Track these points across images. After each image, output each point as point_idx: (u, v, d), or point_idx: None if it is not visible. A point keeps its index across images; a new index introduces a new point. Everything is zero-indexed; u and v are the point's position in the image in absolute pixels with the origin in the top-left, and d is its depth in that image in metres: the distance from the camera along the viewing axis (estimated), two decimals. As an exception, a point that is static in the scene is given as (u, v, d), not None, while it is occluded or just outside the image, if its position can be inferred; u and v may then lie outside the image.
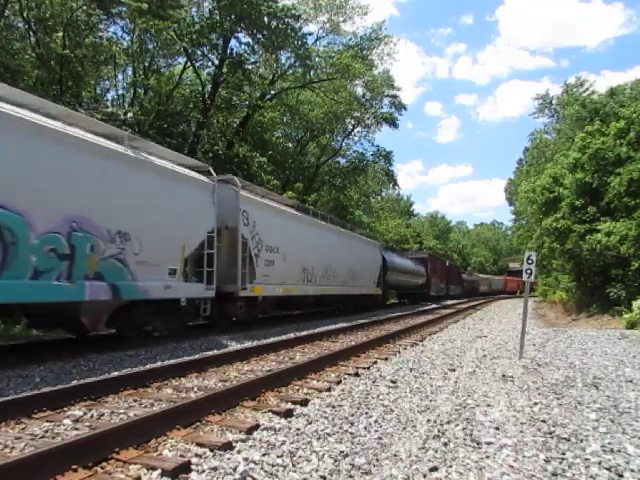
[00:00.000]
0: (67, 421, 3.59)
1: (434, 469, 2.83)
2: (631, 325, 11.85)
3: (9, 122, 5.57)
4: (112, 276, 6.82)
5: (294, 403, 4.22)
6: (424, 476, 2.74)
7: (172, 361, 6.11)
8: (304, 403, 4.25)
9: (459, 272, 44.27)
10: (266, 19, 19.63)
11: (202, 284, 8.84)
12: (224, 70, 21.06)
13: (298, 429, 3.49)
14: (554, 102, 34.35)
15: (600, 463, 2.94)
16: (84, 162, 6.45)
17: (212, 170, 9.67)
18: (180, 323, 8.85)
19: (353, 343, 8.11)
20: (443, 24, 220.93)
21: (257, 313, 11.47)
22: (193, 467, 2.75)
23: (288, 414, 3.88)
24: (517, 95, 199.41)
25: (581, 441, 3.34)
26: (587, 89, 29.64)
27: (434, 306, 24.91)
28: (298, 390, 4.81)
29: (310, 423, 3.65)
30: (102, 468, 2.75)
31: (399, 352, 7.52)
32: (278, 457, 2.94)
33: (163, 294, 7.87)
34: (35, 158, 5.82)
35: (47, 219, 5.88)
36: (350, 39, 26.67)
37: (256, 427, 3.49)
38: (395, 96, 30.22)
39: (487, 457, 3.01)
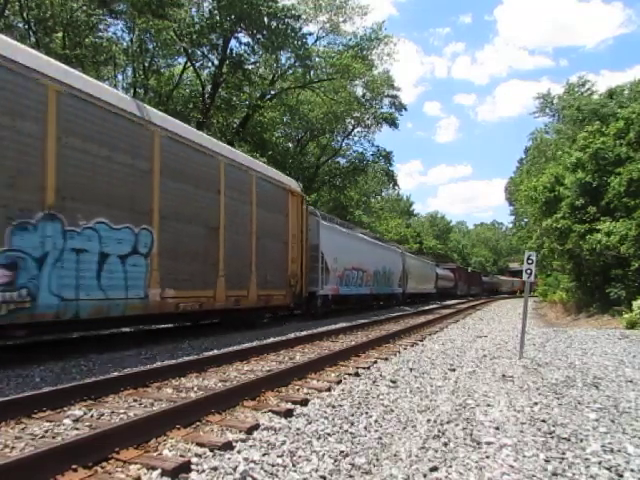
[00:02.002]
0: (67, 421, 3.58)
1: (434, 469, 2.83)
2: (631, 325, 11.85)
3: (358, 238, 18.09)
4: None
5: (294, 403, 4.21)
6: (424, 476, 2.74)
7: (172, 361, 6.11)
8: (304, 403, 4.25)
9: (479, 276, 55.08)
10: (266, 19, 19.64)
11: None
12: (224, 70, 21.08)
13: (298, 429, 3.49)
14: (555, 102, 34.36)
15: (600, 463, 2.94)
16: (360, 243, 18.37)
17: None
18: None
19: (353, 343, 8.11)
20: (442, 24, 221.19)
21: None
22: (193, 467, 2.75)
23: (288, 414, 3.88)
24: (516, 95, 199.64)
25: (581, 441, 3.34)
26: (588, 89, 29.66)
27: (434, 306, 24.92)
28: (298, 390, 4.81)
29: (310, 423, 3.65)
30: (102, 468, 2.75)
31: (399, 352, 7.52)
32: (278, 457, 2.94)
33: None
34: (356, 244, 17.82)
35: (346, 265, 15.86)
36: (350, 39, 26.72)
37: (256, 427, 3.49)
38: (395, 96, 30.27)
39: (487, 457, 3.01)
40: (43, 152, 5.91)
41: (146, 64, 20.52)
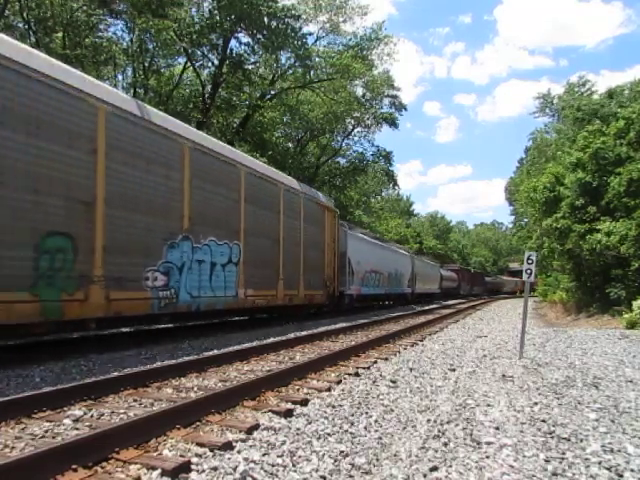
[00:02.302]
0: (67, 421, 3.58)
1: (434, 469, 2.83)
2: (631, 325, 11.85)
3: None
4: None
5: (294, 403, 4.21)
6: (424, 476, 2.74)
7: (172, 361, 6.11)
8: (304, 403, 4.25)
9: (482, 277, 57.86)
10: (266, 19, 19.64)
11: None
12: (224, 70, 21.08)
13: (298, 429, 3.49)
14: (555, 101, 34.36)
15: (600, 463, 2.94)
16: (377, 249, 20.36)
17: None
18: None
19: (353, 343, 8.11)
20: (441, 23, 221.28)
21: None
22: (193, 467, 2.75)
23: (288, 414, 3.88)
24: (516, 95, 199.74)
25: (581, 441, 3.34)
26: (589, 89, 29.65)
27: (434, 306, 24.92)
28: (298, 390, 4.81)
29: (310, 423, 3.65)
30: (102, 468, 2.75)
31: (399, 352, 7.52)
32: (278, 457, 2.94)
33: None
34: (374, 250, 19.90)
35: (366, 268, 18.07)
36: (350, 39, 26.71)
37: (256, 427, 3.49)
38: (395, 96, 30.25)
39: (487, 457, 3.01)
40: (182, 192, 8.31)
41: (146, 64, 20.51)
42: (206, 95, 21.95)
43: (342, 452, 3.06)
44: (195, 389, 4.73)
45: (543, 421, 3.78)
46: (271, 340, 8.50)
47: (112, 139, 6.83)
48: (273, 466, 2.80)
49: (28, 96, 5.71)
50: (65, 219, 6.10)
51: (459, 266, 49.03)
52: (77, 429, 3.44)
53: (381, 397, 4.52)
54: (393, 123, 30.66)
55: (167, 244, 7.84)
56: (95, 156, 6.57)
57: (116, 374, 5.22)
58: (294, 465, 2.85)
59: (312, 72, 25.25)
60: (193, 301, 8.48)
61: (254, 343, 8.01)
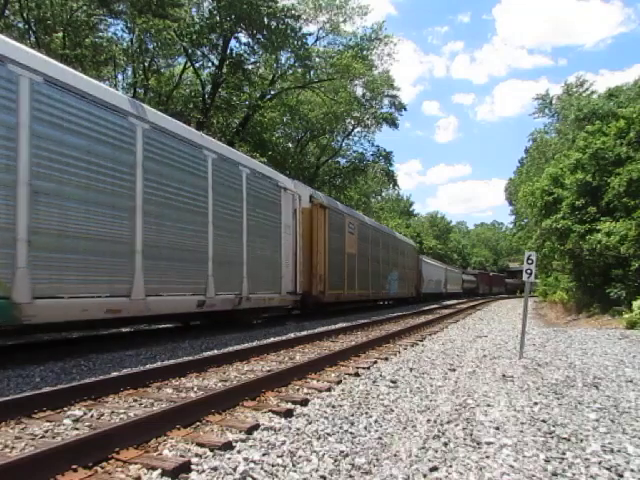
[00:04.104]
0: (67, 421, 3.58)
1: (434, 469, 2.83)
2: (631, 325, 11.85)
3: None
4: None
5: (294, 403, 4.21)
6: (424, 476, 2.74)
7: (172, 361, 6.11)
8: (304, 403, 4.25)
9: (502, 278, 69.84)
10: (266, 19, 19.63)
11: None
12: (224, 70, 21.07)
13: (298, 429, 3.49)
14: (554, 102, 34.36)
15: (600, 463, 2.94)
16: (430, 265, 34.74)
17: None
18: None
19: (353, 343, 8.11)
20: (440, 22, 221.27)
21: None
22: (193, 467, 2.75)
23: (288, 414, 3.88)
24: (515, 94, 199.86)
25: (581, 441, 3.34)
26: (587, 89, 29.64)
27: (435, 306, 24.93)
28: (298, 390, 4.80)
29: (310, 423, 3.65)
30: (102, 468, 2.75)
31: (399, 352, 7.52)
32: (278, 457, 2.94)
33: None
34: (429, 267, 34.65)
35: (426, 277, 32.52)
36: (350, 39, 26.70)
37: (256, 427, 3.49)
38: (395, 96, 30.25)
39: (487, 457, 3.01)
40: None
41: (146, 64, 20.49)
42: (206, 95, 21.94)
43: (342, 452, 3.06)
44: (195, 389, 4.73)
45: (543, 421, 3.78)
46: (271, 340, 8.50)
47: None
48: (273, 466, 2.80)
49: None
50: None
51: (478, 271, 62.20)
52: (77, 429, 3.44)
53: (381, 397, 4.52)
54: (393, 123, 30.69)
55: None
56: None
57: (116, 374, 5.22)
58: (294, 465, 2.85)
59: (312, 72, 25.24)
60: None
61: (254, 343, 8.01)
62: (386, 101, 30.39)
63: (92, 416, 3.79)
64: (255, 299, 10.49)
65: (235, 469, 2.72)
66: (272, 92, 25.52)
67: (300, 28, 21.63)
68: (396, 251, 24.29)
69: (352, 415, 3.89)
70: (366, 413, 3.96)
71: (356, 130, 31.91)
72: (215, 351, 7.10)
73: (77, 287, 6.28)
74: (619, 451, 3.14)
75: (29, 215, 5.70)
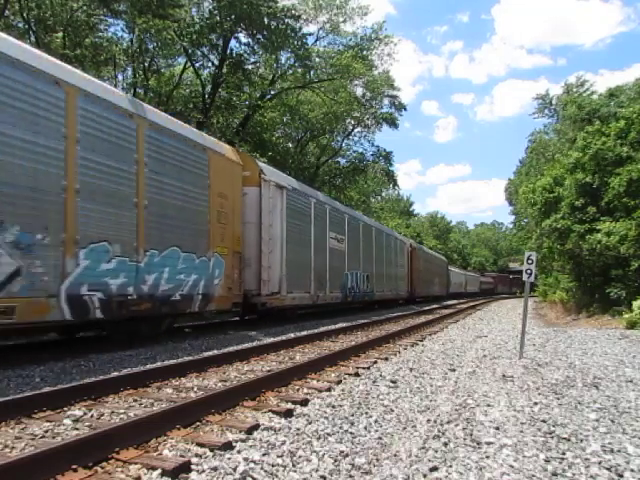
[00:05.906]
0: (67, 421, 3.58)
1: (434, 469, 2.83)
2: (631, 325, 11.85)
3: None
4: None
5: (294, 403, 4.21)
6: (424, 476, 2.74)
7: (172, 361, 6.11)
8: (304, 403, 4.25)
9: (519, 280, 75.89)
10: (266, 19, 19.60)
11: None
12: (224, 70, 21.05)
13: (298, 429, 3.49)
14: (554, 102, 34.34)
15: (600, 463, 2.94)
16: (455, 273, 46.92)
17: None
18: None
19: (353, 343, 8.11)
20: (439, 22, 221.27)
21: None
22: (193, 467, 2.75)
23: (288, 414, 3.88)
24: (515, 94, 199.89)
25: (581, 441, 3.34)
26: (587, 89, 29.62)
27: (435, 306, 24.94)
28: (298, 390, 4.80)
29: (310, 423, 3.65)
30: (102, 468, 2.75)
31: (399, 352, 7.52)
32: (278, 457, 2.94)
33: None
34: (455, 274, 46.51)
35: (453, 281, 44.43)
36: (350, 39, 26.67)
37: (256, 427, 3.49)
38: (395, 96, 30.24)
39: (487, 457, 3.01)
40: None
41: (146, 64, 20.48)
42: (206, 95, 21.93)
43: (342, 452, 3.06)
44: (195, 389, 4.73)
45: (543, 421, 3.78)
46: (271, 340, 8.50)
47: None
48: (273, 466, 2.81)
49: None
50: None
51: (496, 274, 72.88)
52: (77, 429, 3.44)
53: (381, 397, 4.52)
54: (393, 123, 30.67)
55: None
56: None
57: (116, 374, 5.22)
58: (294, 465, 2.85)
59: (312, 72, 25.22)
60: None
61: (254, 343, 8.02)
62: (386, 101, 30.39)
63: (92, 416, 3.79)
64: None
65: (235, 469, 2.72)
66: (272, 92, 25.50)
67: (300, 28, 21.61)
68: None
69: (352, 415, 3.89)
70: (366, 413, 3.96)
71: (356, 130, 31.91)
72: (215, 351, 7.10)
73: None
74: (619, 451, 3.14)
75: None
